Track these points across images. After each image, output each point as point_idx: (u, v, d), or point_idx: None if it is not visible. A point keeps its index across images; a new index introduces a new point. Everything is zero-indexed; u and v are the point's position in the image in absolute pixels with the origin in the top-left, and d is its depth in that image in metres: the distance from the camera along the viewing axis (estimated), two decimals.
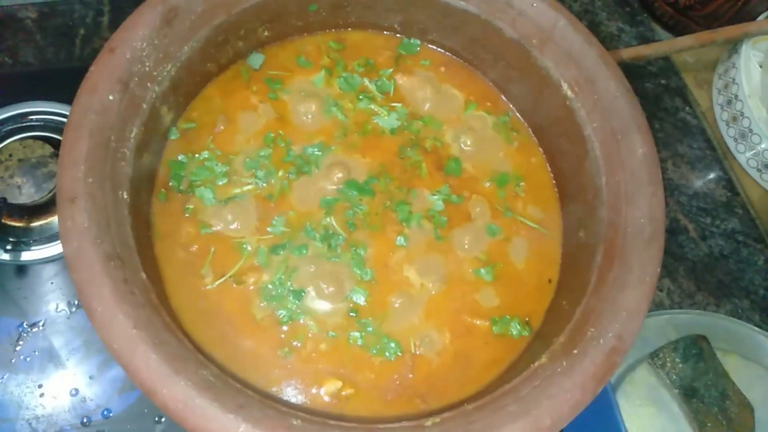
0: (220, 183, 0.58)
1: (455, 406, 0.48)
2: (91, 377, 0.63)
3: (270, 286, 0.55)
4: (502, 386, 0.47)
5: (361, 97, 0.64)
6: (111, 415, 0.61)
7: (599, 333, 0.47)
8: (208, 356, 0.50)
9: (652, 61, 0.92)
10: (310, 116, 0.63)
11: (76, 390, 0.62)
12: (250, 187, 0.59)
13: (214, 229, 0.56)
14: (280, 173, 0.59)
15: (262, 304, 0.55)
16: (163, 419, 0.61)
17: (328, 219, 0.58)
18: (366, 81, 0.65)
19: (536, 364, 0.48)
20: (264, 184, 0.59)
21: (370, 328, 0.54)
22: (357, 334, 0.54)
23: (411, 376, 0.54)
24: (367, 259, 0.57)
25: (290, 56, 0.65)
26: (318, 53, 0.66)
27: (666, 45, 0.83)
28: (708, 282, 0.79)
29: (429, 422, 0.45)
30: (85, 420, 0.61)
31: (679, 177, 0.86)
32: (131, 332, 0.42)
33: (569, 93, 0.59)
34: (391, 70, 0.66)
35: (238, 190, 0.58)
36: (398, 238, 0.58)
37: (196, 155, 0.59)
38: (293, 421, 0.42)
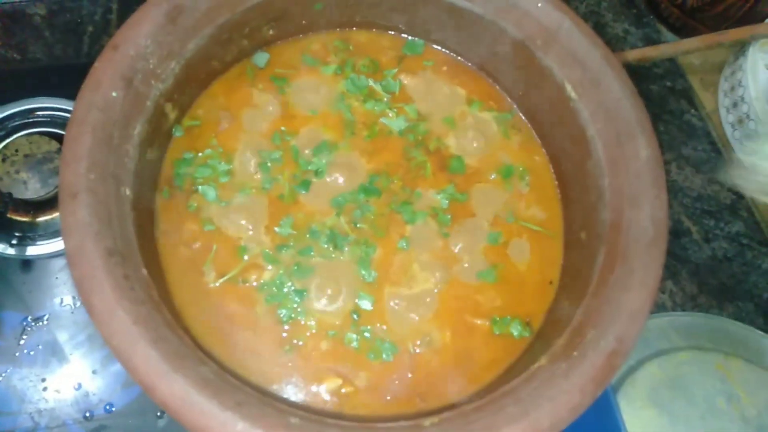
0: (223, 181, 0.58)
1: (455, 406, 0.48)
2: (94, 372, 0.63)
3: (273, 285, 0.55)
4: (502, 387, 0.47)
5: (367, 98, 0.64)
6: (113, 409, 0.62)
7: (599, 335, 0.47)
8: (208, 353, 0.50)
9: (658, 63, 0.91)
10: (316, 113, 0.63)
11: (79, 384, 0.62)
12: (254, 185, 0.59)
13: (217, 226, 0.56)
14: (286, 173, 0.60)
15: (264, 303, 0.55)
16: (164, 414, 0.61)
17: (338, 219, 0.58)
18: (371, 82, 0.65)
19: (536, 365, 0.47)
20: (268, 185, 0.59)
21: (367, 334, 0.54)
22: (353, 335, 0.54)
23: (410, 375, 0.54)
24: (373, 261, 0.57)
25: (295, 55, 0.66)
26: (324, 52, 0.66)
27: (672, 47, 0.82)
28: (711, 284, 0.79)
29: (427, 422, 0.45)
30: (87, 414, 0.61)
31: (683, 179, 0.85)
32: (131, 328, 0.42)
33: (573, 94, 0.58)
34: (396, 70, 0.66)
35: (241, 189, 0.58)
36: (400, 241, 0.58)
37: (200, 153, 0.59)
38: (291, 419, 0.42)
